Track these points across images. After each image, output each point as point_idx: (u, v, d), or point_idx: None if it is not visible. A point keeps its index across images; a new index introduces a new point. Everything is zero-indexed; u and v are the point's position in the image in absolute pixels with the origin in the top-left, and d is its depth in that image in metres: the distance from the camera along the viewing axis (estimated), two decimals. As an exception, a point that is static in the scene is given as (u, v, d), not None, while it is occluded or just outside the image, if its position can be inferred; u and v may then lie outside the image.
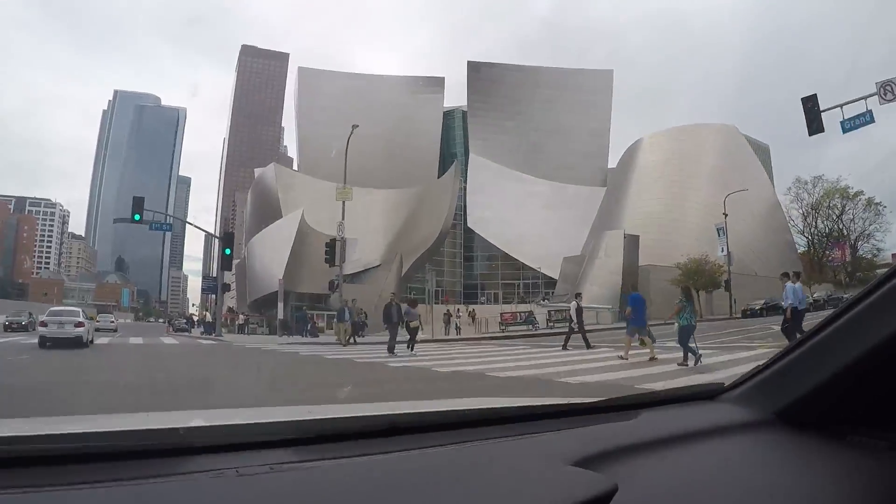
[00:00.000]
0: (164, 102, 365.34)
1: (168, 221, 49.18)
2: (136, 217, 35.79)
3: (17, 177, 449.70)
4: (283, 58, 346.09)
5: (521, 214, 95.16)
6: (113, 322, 58.43)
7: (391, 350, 22.23)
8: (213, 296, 56.37)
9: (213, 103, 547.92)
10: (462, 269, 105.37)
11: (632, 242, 60.59)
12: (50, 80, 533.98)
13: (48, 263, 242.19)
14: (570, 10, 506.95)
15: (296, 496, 1.23)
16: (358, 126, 41.60)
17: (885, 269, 1.66)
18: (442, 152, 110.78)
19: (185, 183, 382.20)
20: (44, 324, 25.56)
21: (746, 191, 63.95)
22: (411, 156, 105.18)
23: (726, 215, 56.88)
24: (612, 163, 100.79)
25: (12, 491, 1.09)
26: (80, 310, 29.13)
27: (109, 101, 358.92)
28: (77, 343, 24.76)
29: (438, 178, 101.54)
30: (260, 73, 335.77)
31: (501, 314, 47.69)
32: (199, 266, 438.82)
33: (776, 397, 1.89)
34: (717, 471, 1.66)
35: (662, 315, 22.70)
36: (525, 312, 48.84)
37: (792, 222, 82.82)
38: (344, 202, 38.66)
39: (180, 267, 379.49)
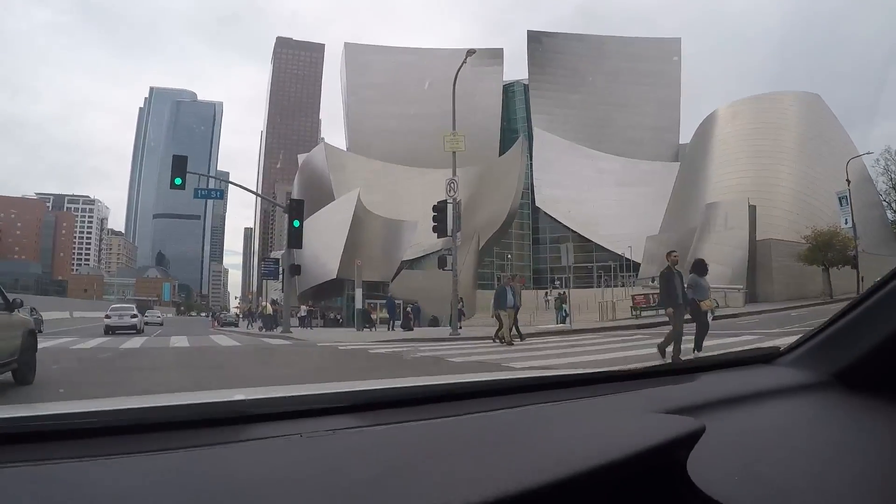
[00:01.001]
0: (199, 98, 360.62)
1: (217, 187, 44.39)
2: (178, 181, 27.49)
3: (57, 178, 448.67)
4: (318, 49, 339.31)
5: (592, 193, 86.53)
6: (159, 316, 63.93)
7: (506, 340, 19.01)
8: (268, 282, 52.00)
9: (248, 100, 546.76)
10: (531, 252, 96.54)
11: (753, 214, 51.86)
12: (87, 84, 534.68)
13: (88, 260, 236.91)
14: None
15: (360, 455, 1.27)
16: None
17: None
18: (502, 129, 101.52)
19: (224, 177, 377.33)
20: (108, 316, 35.61)
21: (868, 154, 59.93)
22: (470, 133, 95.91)
23: (849, 182, 49.07)
24: (684, 137, 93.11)
25: (101, 459, 1.17)
26: (133, 306, 41.49)
27: (146, 98, 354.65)
28: (133, 329, 34.82)
29: (500, 155, 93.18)
30: (296, 65, 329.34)
31: (633, 297, 38.98)
32: (238, 260, 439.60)
33: (833, 360, 1.86)
34: (780, 429, 1.67)
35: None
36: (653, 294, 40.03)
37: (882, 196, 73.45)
38: (454, 153, 29.80)
39: (220, 261, 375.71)
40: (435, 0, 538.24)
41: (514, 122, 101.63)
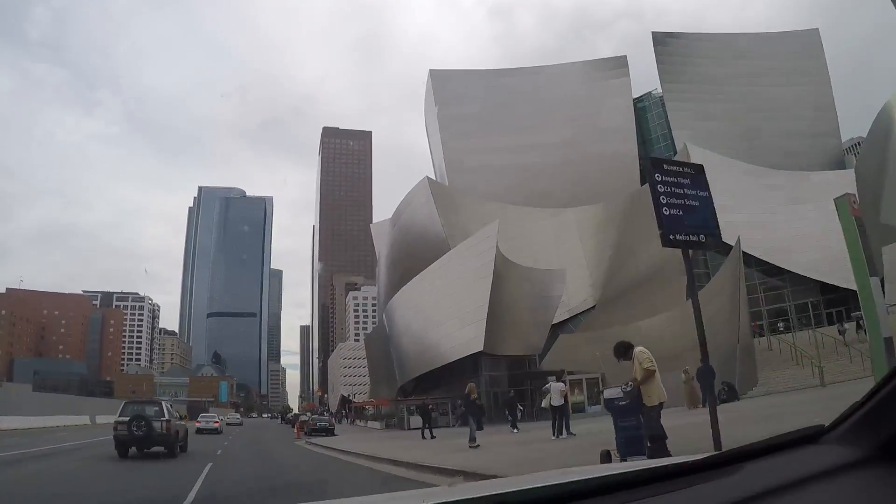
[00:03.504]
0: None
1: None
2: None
3: (110, 285, 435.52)
4: (365, 136, 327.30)
5: (769, 214, 64.55)
6: (239, 418, 77.18)
7: None
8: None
9: (296, 201, 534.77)
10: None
11: None
12: (136, 192, 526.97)
13: (139, 360, 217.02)
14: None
15: None
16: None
17: None
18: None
19: (277, 276, 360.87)
20: (198, 421, 45.84)
21: None
22: (601, 162, 75.16)
23: None
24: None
25: None
26: (215, 414, 57.66)
27: (195, 197, 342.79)
28: (216, 431, 44.60)
29: (641, 185, 72.16)
30: (344, 154, 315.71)
31: None
32: (293, 360, 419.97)
33: (879, 432, 1.79)
34: None
35: None
36: None
37: None
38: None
39: (278, 360, 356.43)
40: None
41: (649, 145, 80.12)
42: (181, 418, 26.91)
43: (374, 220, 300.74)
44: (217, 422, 48.30)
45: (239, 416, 75.26)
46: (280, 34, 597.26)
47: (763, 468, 1.96)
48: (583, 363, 42.86)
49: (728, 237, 57.86)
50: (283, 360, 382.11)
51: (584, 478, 2.20)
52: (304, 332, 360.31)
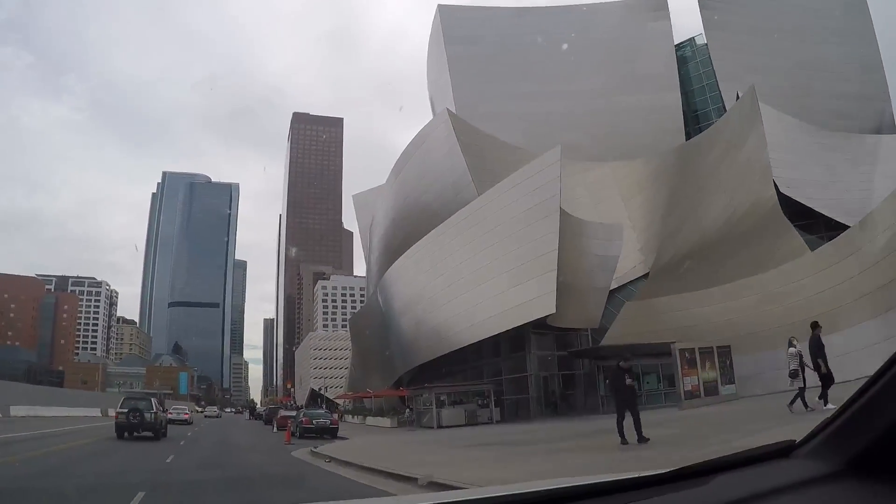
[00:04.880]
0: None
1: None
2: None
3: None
4: (336, 123, 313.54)
5: (835, 174, 54.45)
6: (216, 411, 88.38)
7: None
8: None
9: (263, 192, 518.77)
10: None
11: None
12: (102, 180, 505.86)
13: (94, 349, 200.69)
14: None
15: None
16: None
17: None
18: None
19: (241, 267, 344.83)
20: (170, 412, 41.28)
21: None
22: (642, 115, 63.84)
23: None
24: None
25: None
26: (186, 406, 60.94)
27: (158, 183, 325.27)
28: (187, 422, 46.11)
29: (686, 140, 61.21)
30: (314, 141, 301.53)
31: None
32: (258, 354, 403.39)
33: (848, 448, 1.79)
34: None
35: None
36: None
37: None
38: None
39: (241, 353, 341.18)
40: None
41: (692, 97, 68.81)
42: (164, 411, 32.33)
43: (344, 212, 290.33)
44: (187, 414, 51.37)
45: (216, 409, 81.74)
46: (252, 24, 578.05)
47: (733, 480, 1.96)
48: (658, 335, 33.12)
49: (798, 195, 46.79)
50: (246, 355, 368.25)
51: (552, 487, 2.16)
52: (269, 326, 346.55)
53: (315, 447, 22.75)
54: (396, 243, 53.75)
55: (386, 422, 44.02)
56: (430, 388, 38.41)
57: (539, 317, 33.42)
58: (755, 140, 47.10)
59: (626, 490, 2.02)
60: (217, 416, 75.72)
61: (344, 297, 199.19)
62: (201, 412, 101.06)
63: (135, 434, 26.25)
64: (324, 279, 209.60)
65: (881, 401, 1.64)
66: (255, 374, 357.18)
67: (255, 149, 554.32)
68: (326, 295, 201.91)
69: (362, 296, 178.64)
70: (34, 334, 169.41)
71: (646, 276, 48.09)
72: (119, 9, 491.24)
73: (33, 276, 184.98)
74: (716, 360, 29.20)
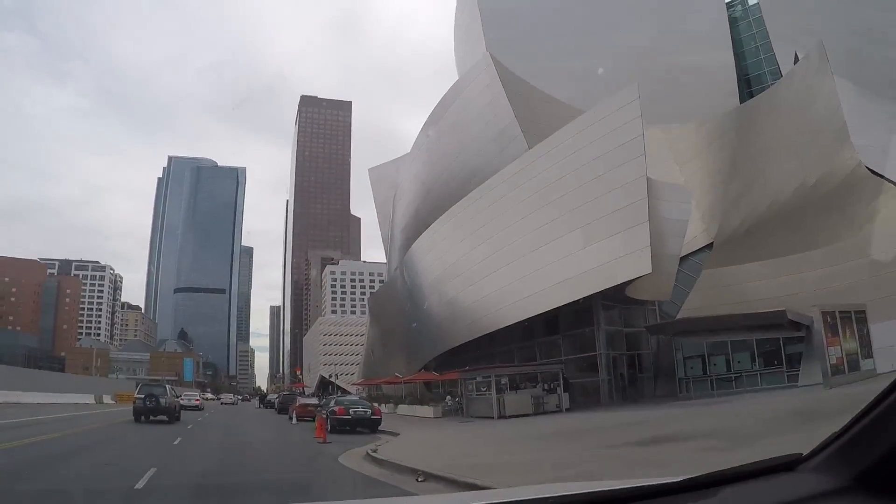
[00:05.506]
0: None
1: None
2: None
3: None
4: (345, 107, 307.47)
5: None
6: (233, 398, 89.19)
7: None
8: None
9: (269, 180, 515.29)
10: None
11: None
12: (107, 167, 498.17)
13: (98, 334, 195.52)
14: None
15: None
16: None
17: None
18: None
19: (248, 253, 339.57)
20: (180, 398, 38.92)
21: None
22: (693, 73, 58.38)
23: None
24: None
25: None
26: (196, 393, 62.65)
27: (164, 168, 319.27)
28: (198, 408, 47.62)
29: (741, 103, 55.78)
30: (322, 125, 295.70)
31: None
32: (265, 342, 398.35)
33: (855, 463, 1.76)
34: None
35: None
36: None
37: None
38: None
39: (247, 341, 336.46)
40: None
41: (742, 59, 63.02)
42: (177, 397, 35.17)
43: (352, 198, 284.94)
44: (198, 399, 52.88)
45: (232, 396, 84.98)
46: (258, 8, 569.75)
47: (739, 493, 1.96)
48: (749, 305, 29.44)
49: (870, 163, 41.31)
50: (252, 342, 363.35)
51: (559, 494, 2.14)
52: (275, 313, 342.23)
53: (373, 448, 16.47)
54: (426, 210, 48.57)
55: (428, 411, 37.98)
56: (487, 368, 32.43)
57: (631, 278, 27.99)
58: (824, 101, 41.88)
59: (629, 500, 1.95)
60: (234, 404, 78.02)
61: (353, 283, 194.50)
62: (216, 399, 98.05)
63: (150, 418, 28.89)
64: (332, 264, 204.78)
65: (890, 416, 1.61)
66: (261, 362, 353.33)
67: (262, 136, 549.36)
68: (335, 280, 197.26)
69: (371, 281, 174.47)
70: (35, 318, 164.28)
71: (709, 246, 42.95)
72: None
73: (35, 259, 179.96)
74: (854, 327, 23.98)
